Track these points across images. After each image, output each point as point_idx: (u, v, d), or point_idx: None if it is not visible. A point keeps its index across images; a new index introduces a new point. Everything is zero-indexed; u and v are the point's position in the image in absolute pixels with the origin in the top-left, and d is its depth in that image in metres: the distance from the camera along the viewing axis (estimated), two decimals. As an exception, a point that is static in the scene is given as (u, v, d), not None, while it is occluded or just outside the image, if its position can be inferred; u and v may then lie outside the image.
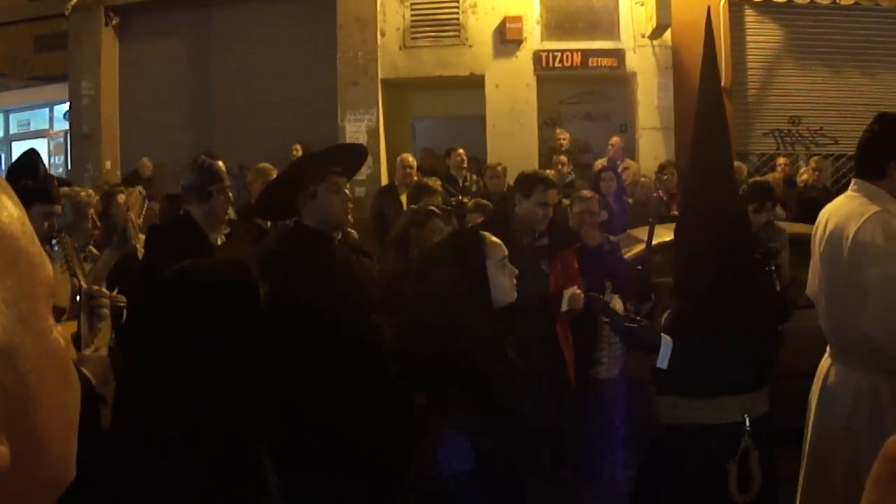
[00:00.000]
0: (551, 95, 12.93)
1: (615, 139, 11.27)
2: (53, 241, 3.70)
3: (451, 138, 11.57)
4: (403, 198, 8.54)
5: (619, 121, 12.79)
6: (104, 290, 3.64)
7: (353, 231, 5.00)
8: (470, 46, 12.23)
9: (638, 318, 3.78)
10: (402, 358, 3.32)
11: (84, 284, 3.36)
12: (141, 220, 5.95)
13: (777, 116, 12.28)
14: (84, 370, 2.26)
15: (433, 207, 5.28)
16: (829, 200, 3.90)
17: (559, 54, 12.14)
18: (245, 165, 9.54)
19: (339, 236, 4.01)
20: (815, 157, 10.73)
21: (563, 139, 11.68)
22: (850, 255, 3.37)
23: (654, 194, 9.55)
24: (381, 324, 3.81)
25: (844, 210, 3.51)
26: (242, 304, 1.84)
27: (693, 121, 3.70)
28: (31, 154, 4.17)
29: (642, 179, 10.31)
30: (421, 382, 3.08)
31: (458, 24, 12.24)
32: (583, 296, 4.62)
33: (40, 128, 17.80)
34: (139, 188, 8.68)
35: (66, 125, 15.51)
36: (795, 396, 3.77)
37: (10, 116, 18.52)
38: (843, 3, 11.90)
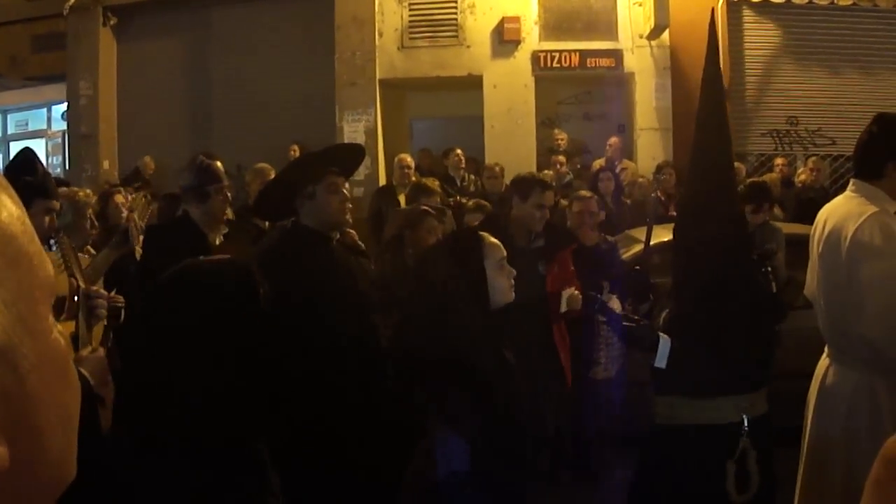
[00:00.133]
0: (549, 96, 12.94)
1: (613, 139, 11.29)
2: (52, 241, 3.69)
3: (448, 139, 11.59)
4: (401, 198, 8.55)
5: (617, 121, 12.79)
6: (102, 290, 3.64)
7: (352, 231, 5.00)
8: (468, 47, 12.22)
9: (636, 317, 3.78)
10: (399, 358, 3.32)
11: (82, 285, 3.36)
12: (145, 221, 5.94)
13: (775, 117, 12.28)
14: (82, 370, 2.26)
15: (426, 207, 5.29)
16: (827, 201, 3.90)
17: (557, 55, 12.13)
18: (243, 165, 9.54)
19: (338, 236, 4.00)
20: (813, 158, 10.74)
21: (561, 139, 11.69)
22: (849, 255, 3.37)
23: (652, 195, 9.56)
24: (379, 324, 3.81)
25: (843, 210, 3.52)
26: (242, 304, 1.84)
27: (694, 121, 3.70)
28: (28, 152, 4.16)
29: (640, 180, 10.31)
30: (418, 383, 3.08)
31: (456, 25, 12.24)
32: (581, 296, 4.63)
33: (38, 128, 17.76)
34: (143, 193, 8.68)
35: (63, 125, 15.49)
36: (794, 396, 3.77)
37: (8, 116, 18.48)
38: (841, 3, 11.91)
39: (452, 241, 3.70)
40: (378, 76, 12.26)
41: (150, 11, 13.58)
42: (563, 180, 10.12)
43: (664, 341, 3.48)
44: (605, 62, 12.17)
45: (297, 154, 10.62)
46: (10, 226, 0.72)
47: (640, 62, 12.11)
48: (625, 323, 3.70)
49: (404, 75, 12.44)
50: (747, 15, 12.14)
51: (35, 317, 0.73)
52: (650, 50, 12.04)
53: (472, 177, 10.23)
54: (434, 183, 7.33)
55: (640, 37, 11.97)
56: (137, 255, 4.92)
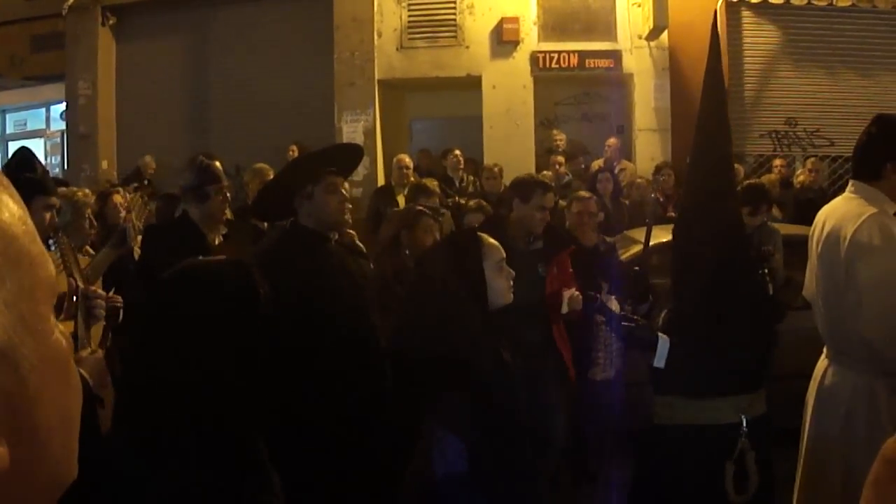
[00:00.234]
0: (548, 96, 12.94)
1: (612, 140, 11.30)
2: (50, 241, 3.69)
3: (447, 139, 11.59)
4: (400, 198, 8.55)
5: (616, 122, 12.80)
6: (100, 290, 3.64)
7: (352, 232, 5.00)
8: (467, 47, 12.22)
9: (635, 317, 3.79)
10: (398, 359, 3.32)
11: (81, 285, 3.35)
12: (142, 221, 5.95)
13: (774, 118, 12.28)
14: (81, 371, 2.26)
15: (421, 207, 5.29)
16: (826, 202, 3.90)
17: (556, 55, 12.14)
18: (242, 166, 9.53)
19: (336, 237, 4.00)
20: (812, 159, 10.74)
21: (560, 140, 11.69)
22: (847, 256, 3.38)
23: (652, 195, 9.56)
24: (378, 324, 3.81)
25: (842, 211, 3.52)
26: (242, 304, 1.84)
27: (693, 122, 3.71)
28: (25, 151, 4.17)
29: (638, 180, 10.31)
30: (416, 383, 3.08)
31: (455, 25, 12.24)
32: (581, 296, 4.64)
33: (37, 128, 17.76)
34: (140, 193, 8.69)
35: (62, 125, 15.49)
36: (792, 397, 3.78)
37: (7, 116, 18.47)
38: (840, 4, 11.92)
39: (451, 241, 3.70)
40: (377, 76, 12.26)
41: (148, 11, 13.57)
42: (561, 181, 10.12)
43: (663, 342, 3.49)
44: (603, 63, 12.18)
45: (296, 154, 10.61)
46: (12, 226, 0.72)
47: (639, 63, 12.11)
48: (624, 323, 3.71)
49: (403, 76, 12.45)
50: (746, 16, 12.14)
51: (36, 317, 0.73)
52: (649, 51, 12.04)
53: (471, 177, 10.23)
54: (433, 183, 7.34)
55: (639, 38, 11.98)
56: (136, 255, 4.92)
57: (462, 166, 10.17)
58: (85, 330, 3.27)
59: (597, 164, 10.86)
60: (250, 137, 12.50)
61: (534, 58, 12.15)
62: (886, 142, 3.50)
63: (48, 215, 3.86)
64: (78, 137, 13.59)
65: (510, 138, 12.03)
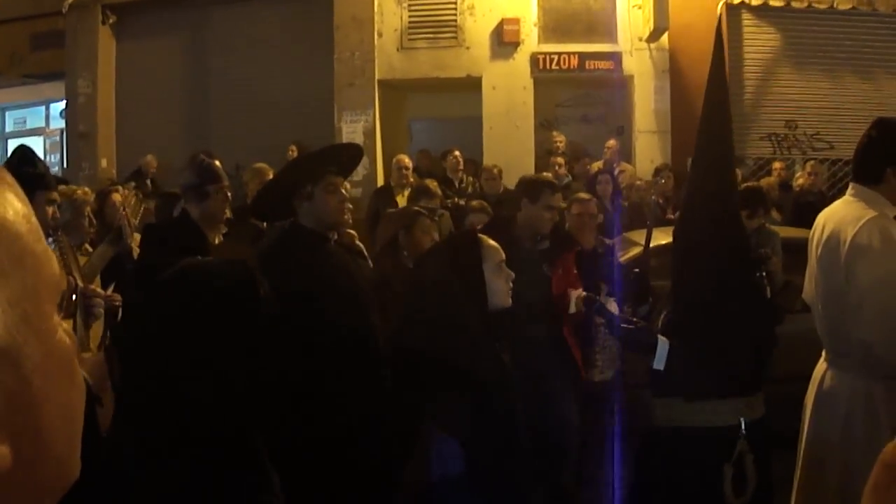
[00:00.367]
0: (548, 98, 12.95)
1: (611, 142, 11.30)
2: (50, 240, 3.70)
3: (447, 140, 11.59)
4: (399, 199, 8.55)
5: (616, 124, 12.81)
6: (99, 289, 3.64)
7: (352, 232, 5.00)
8: (467, 48, 12.22)
9: (634, 319, 3.79)
10: (396, 359, 3.32)
11: (80, 283, 3.36)
12: (137, 219, 5.94)
13: (773, 121, 12.29)
14: (81, 371, 2.25)
15: (418, 208, 5.30)
16: (825, 205, 3.91)
17: (556, 57, 12.14)
18: (241, 165, 9.53)
19: (336, 237, 4.00)
20: (811, 162, 10.74)
21: (560, 142, 11.68)
22: (847, 259, 3.38)
23: (652, 197, 9.56)
24: (378, 325, 3.81)
25: (842, 214, 3.52)
26: (243, 304, 1.83)
27: (693, 124, 3.71)
28: (25, 148, 4.18)
29: (638, 182, 10.31)
30: (414, 384, 3.08)
31: (456, 26, 12.24)
32: (584, 296, 4.64)
33: (36, 126, 17.73)
34: (135, 191, 8.67)
35: (62, 123, 15.48)
36: (791, 400, 3.78)
37: (7, 114, 18.45)
38: (840, 7, 11.92)
39: (451, 242, 3.71)
40: (377, 77, 12.26)
41: (149, 10, 13.57)
42: (561, 182, 10.11)
43: (662, 343, 3.49)
44: (604, 65, 12.18)
45: (296, 154, 10.61)
46: (16, 224, 0.72)
47: (639, 65, 12.12)
48: (623, 325, 3.71)
49: (403, 76, 12.45)
50: (746, 18, 12.15)
51: (40, 316, 0.73)
52: (649, 53, 12.05)
53: (471, 178, 10.23)
54: (434, 185, 7.34)
55: (640, 39, 11.98)
56: (134, 253, 4.92)
57: (461, 167, 10.17)
58: (84, 329, 3.28)
59: (596, 165, 10.86)
60: (250, 137, 12.50)
61: (534, 59, 12.16)
62: (887, 145, 3.50)
63: (50, 210, 3.87)
64: (77, 136, 13.58)
65: (510, 139, 12.04)
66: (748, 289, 3.65)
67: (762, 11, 12.11)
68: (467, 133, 12.32)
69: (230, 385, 1.77)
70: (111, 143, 13.64)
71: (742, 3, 11.97)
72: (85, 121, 13.46)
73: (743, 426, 3.47)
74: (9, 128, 18.46)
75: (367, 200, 9.35)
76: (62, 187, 4.92)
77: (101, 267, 4.82)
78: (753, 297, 3.67)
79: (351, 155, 4.27)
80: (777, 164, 10.98)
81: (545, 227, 5.00)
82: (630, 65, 12.12)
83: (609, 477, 5.40)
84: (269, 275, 2.00)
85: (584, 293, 4.63)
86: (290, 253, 3.76)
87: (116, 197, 6.83)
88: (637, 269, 4.30)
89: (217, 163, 4.52)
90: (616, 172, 10.38)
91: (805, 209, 8.43)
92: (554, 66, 12.17)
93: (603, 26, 12.16)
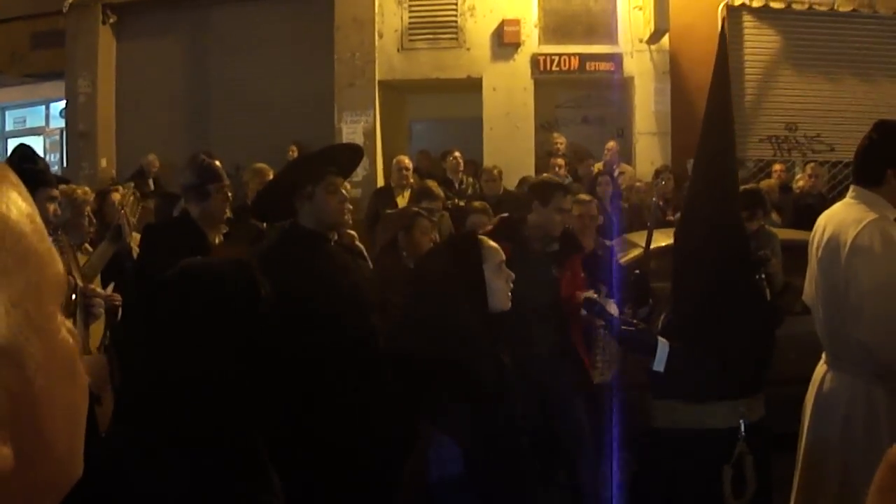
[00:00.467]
0: (548, 99, 12.94)
1: (611, 143, 11.29)
2: (50, 239, 3.69)
3: (447, 141, 11.59)
4: (399, 200, 8.55)
5: (616, 125, 12.80)
6: (99, 289, 3.64)
7: (352, 232, 5.00)
8: (467, 49, 12.23)
9: (634, 321, 3.79)
10: (396, 360, 3.31)
11: (80, 283, 3.35)
12: (136, 218, 5.94)
13: (774, 122, 12.29)
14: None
15: (416, 208, 5.30)
16: (825, 207, 3.90)
17: (557, 58, 12.14)
18: (241, 165, 9.52)
19: (336, 237, 4.00)
20: (812, 164, 10.74)
21: (560, 143, 11.68)
22: (848, 261, 3.38)
23: (653, 198, 9.56)
24: (378, 325, 3.81)
25: (842, 216, 3.52)
26: (244, 304, 1.83)
27: (693, 126, 3.71)
28: (25, 146, 4.18)
29: (638, 184, 10.31)
30: (413, 385, 3.07)
31: (456, 27, 12.24)
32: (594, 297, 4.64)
33: (36, 125, 17.73)
34: (133, 189, 8.66)
35: (62, 123, 15.48)
36: (791, 402, 3.78)
37: (7, 113, 18.45)
38: (841, 9, 11.92)
39: (451, 243, 3.70)
40: (377, 77, 12.26)
41: (149, 10, 13.57)
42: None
43: (662, 345, 3.48)
44: (604, 66, 12.18)
45: (296, 154, 10.61)
46: (20, 223, 0.71)
47: (640, 66, 12.12)
48: (623, 327, 3.70)
49: (403, 77, 12.45)
50: (747, 20, 12.15)
51: (43, 316, 0.72)
52: (650, 54, 12.05)
53: (471, 179, 10.23)
54: (436, 186, 7.33)
55: (640, 41, 11.99)
56: (133, 252, 4.91)
57: (461, 168, 10.17)
58: (84, 328, 3.27)
59: (597, 167, 10.86)
60: (250, 137, 12.49)
61: (534, 60, 12.16)
62: (888, 147, 3.50)
63: (52, 207, 3.87)
64: (77, 135, 13.58)
65: (510, 140, 12.04)
66: (748, 291, 3.64)
67: (763, 13, 12.11)
68: (467, 134, 12.32)
69: (230, 385, 1.77)
70: (111, 143, 13.64)
71: (743, 4, 11.97)
72: (85, 120, 13.46)
73: (743, 428, 3.46)
74: (9, 127, 18.46)
75: (367, 201, 9.35)
76: (62, 187, 4.92)
77: (101, 266, 4.82)
78: (753, 299, 3.67)
79: (351, 155, 4.26)
80: (777, 166, 10.97)
81: (557, 229, 4.98)
82: (630, 66, 12.12)
83: (608, 478, 5.40)
84: (270, 275, 2.00)
85: (586, 295, 4.63)
86: (290, 253, 3.75)
87: (116, 196, 6.83)
88: (637, 271, 4.29)
89: (217, 162, 4.51)
90: (616, 174, 10.38)
91: (805, 211, 8.43)
92: (554, 68, 12.17)
93: (603, 28, 12.16)
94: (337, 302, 3.69)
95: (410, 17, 12.30)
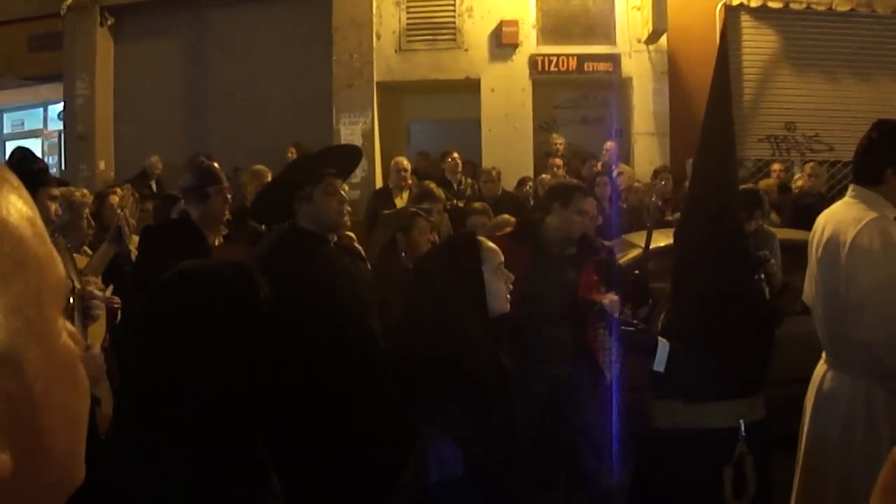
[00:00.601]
0: (547, 100, 12.94)
1: (609, 144, 11.29)
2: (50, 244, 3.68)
3: (445, 142, 11.57)
4: (398, 201, 8.54)
5: (615, 126, 12.79)
6: (98, 291, 3.63)
7: (351, 234, 4.99)
8: (466, 50, 12.22)
9: (634, 321, 3.79)
10: (395, 361, 3.31)
11: (78, 285, 3.34)
12: (135, 220, 5.94)
13: (772, 122, 12.29)
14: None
15: (414, 209, 5.29)
16: (824, 207, 3.90)
17: (555, 59, 12.14)
18: (239, 167, 9.52)
19: (335, 239, 3.99)
20: (811, 164, 10.73)
21: (559, 144, 11.67)
22: (848, 260, 3.37)
23: (653, 199, 9.55)
24: (377, 327, 3.81)
25: (842, 216, 3.52)
26: (243, 306, 1.83)
27: (692, 126, 3.71)
28: (24, 149, 4.17)
29: (636, 184, 10.31)
30: (413, 386, 3.07)
31: (454, 28, 12.24)
32: (617, 301, 4.63)
33: (34, 128, 17.74)
34: (132, 191, 8.66)
35: (60, 125, 15.47)
36: (791, 402, 3.77)
37: (4, 116, 18.44)
38: (839, 9, 11.93)
39: (450, 245, 3.70)
40: (375, 79, 12.25)
41: (147, 12, 13.56)
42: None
43: (663, 346, 3.49)
44: (602, 66, 12.17)
45: (295, 156, 10.60)
46: (19, 227, 0.71)
47: (638, 66, 12.12)
48: (623, 327, 3.70)
49: (402, 78, 12.44)
50: (745, 20, 12.15)
51: (43, 320, 0.72)
52: (648, 54, 12.05)
53: (469, 180, 10.23)
54: (436, 187, 7.32)
55: (638, 41, 11.99)
56: (132, 254, 4.91)
57: (460, 169, 10.17)
58: (82, 330, 3.26)
59: (597, 167, 10.85)
60: (248, 139, 12.49)
61: (532, 61, 12.15)
62: (887, 147, 3.50)
63: (53, 206, 3.87)
64: (75, 137, 13.57)
65: (508, 141, 12.03)
66: (748, 291, 3.64)
67: (761, 13, 12.11)
68: (466, 135, 12.31)
69: (230, 386, 1.76)
70: (109, 145, 13.63)
71: (741, 4, 11.97)
72: (83, 123, 13.45)
73: (743, 428, 3.47)
74: (6, 130, 18.46)
75: (366, 202, 9.34)
76: (61, 189, 4.91)
77: (102, 268, 4.81)
78: (753, 299, 3.67)
79: (350, 157, 4.26)
80: (776, 166, 10.98)
81: (576, 231, 4.92)
82: (629, 67, 12.12)
83: (608, 479, 5.39)
84: (269, 277, 2.00)
85: (586, 297, 4.63)
86: (289, 255, 3.75)
87: (114, 199, 6.83)
88: (637, 271, 4.29)
89: (216, 164, 4.51)
90: (615, 174, 10.37)
91: (804, 211, 8.42)
92: (552, 68, 12.17)
93: (601, 28, 12.16)
94: (336, 303, 3.69)
95: (408, 19, 12.29)
